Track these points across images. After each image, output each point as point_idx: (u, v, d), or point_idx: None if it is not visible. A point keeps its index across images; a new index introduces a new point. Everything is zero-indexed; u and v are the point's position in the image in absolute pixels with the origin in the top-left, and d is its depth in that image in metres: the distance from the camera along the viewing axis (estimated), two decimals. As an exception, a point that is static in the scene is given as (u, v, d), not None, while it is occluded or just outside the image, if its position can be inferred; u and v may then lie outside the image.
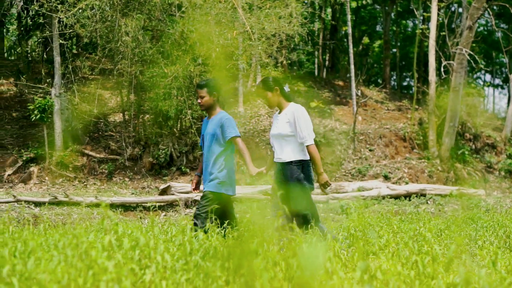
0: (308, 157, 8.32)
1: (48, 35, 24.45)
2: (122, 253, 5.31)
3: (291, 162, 8.26)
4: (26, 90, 28.38)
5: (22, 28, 30.99)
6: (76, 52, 30.66)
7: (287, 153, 8.28)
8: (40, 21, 26.77)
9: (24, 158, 22.84)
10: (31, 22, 29.14)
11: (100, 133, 26.24)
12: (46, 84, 24.79)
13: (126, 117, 25.52)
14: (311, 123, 8.39)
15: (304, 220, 8.09)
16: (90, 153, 24.14)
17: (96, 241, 5.42)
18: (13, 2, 26.89)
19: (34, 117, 22.29)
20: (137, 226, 7.57)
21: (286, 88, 8.59)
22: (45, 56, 29.33)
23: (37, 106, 22.24)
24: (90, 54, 28.28)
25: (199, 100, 9.02)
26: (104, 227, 6.05)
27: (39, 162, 22.92)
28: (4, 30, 33.69)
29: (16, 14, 34.14)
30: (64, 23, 22.42)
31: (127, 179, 22.86)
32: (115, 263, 4.83)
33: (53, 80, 24.10)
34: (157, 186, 21.76)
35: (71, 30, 23.03)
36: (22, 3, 27.60)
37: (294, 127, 8.24)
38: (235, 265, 5.42)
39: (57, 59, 23.69)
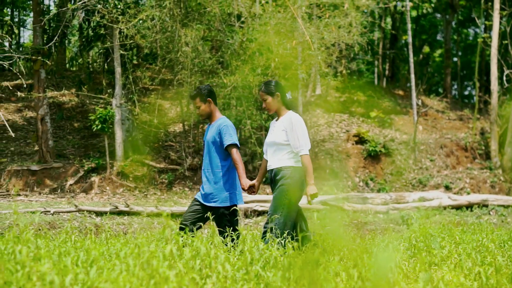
0: (298, 165, 8.06)
1: (109, 46, 24.71)
2: (183, 262, 5.30)
3: (281, 167, 8.04)
4: (88, 101, 28.73)
5: (83, 39, 31.38)
6: (136, 62, 30.93)
7: (278, 160, 8.03)
8: (101, 32, 27.05)
9: (85, 168, 23.09)
10: (92, 33, 29.48)
11: (160, 143, 26.40)
12: (107, 95, 25.05)
13: (186, 127, 25.65)
14: (307, 133, 8.13)
15: (278, 225, 7.87)
16: (151, 163, 24.29)
17: (157, 250, 5.43)
18: (74, 13, 27.23)
19: (96, 127, 22.53)
20: (197, 235, 7.57)
21: (288, 96, 8.31)
22: (106, 66, 29.63)
23: (98, 116, 22.47)
24: (150, 65, 28.53)
25: (197, 111, 8.82)
26: (165, 237, 6.06)
27: (100, 172, 23.15)
28: (66, 41, 34.19)
29: (77, 25, 34.61)
30: (125, 34, 22.65)
31: (187, 189, 22.94)
32: (176, 272, 4.83)
33: (114, 91, 24.34)
34: (217, 195, 21.77)
35: (131, 41, 23.27)
36: (83, 15, 27.94)
37: (289, 136, 8.00)
38: (296, 275, 5.38)
39: (118, 69, 23.92)
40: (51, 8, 40.01)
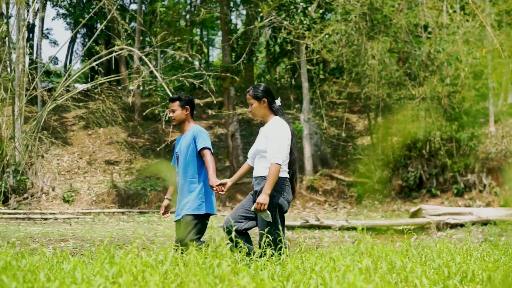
0: (285, 175, 7.48)
1: (296, 61, 24.99)
2: (379, 276, 5.24)
3: (264, 176, 7.49)
4: (276, 117, 29.17)
5: (270, 56, 31.93)
6: (323, 77, 31.14)
7: (262, 168, 7.47)
8: (287, 48, 27.43)
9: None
10: (279, 50, 29.94)
11: (349, 156, 26.41)
12: (295, 110, 25.33)
13: (374, 140, 25.52)
14: (287, 143, 7.50)
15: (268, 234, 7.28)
16: (339, 176, 24.33)
17: (352, 264, 5.38)
18: (261, 31, 27.74)
19: (286, 143, 22.81)
20: (392, 249, 7.49)
21: (278, 102, 7.72)
22: (293, 82, 29.99)
23: (287, 131, 22.75)
24: (337, 79, 28.65)
25: (170, 114, 8.40)
26: (360, 250, 6.01)
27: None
28: (254, 59, 34.92)
29: (264, 42, 35.27)
30: (311, 49, 22.84)
31: (376, 202, 22.78)
32: (373, 286, 4.77)
33: (301, 106, 24.58)
34: (407, 208, 21.52)
35: (318, 56, 23.42)
36: (270, 32, 28.42)
37: (268, 142, 7.45)
38: (495, 289, 5.19)
39: (305, 84, 24.14)
40: (238, 26, 41.01)
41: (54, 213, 20.66)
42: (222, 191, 7.63)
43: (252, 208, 7.22)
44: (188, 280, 4.90)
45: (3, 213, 19.68)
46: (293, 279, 5.24)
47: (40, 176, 22.31)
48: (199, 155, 8.11)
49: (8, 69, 23.14)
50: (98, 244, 10.38)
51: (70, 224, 18.72)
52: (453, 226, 18.44)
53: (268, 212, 7.21)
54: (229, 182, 7.71)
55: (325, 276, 5.00)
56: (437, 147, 22.99)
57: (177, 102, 8.29)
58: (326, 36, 23.07)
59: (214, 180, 7.70)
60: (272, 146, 7.21)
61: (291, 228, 17.75)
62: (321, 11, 24.83)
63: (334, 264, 5.51)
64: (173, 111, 8.35)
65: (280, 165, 7.15)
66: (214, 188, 7.57)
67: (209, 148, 8.04)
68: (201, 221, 8.03)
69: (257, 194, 7.37)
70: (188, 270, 5.12)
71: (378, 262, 5.76)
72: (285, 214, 7.73)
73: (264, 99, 7.48)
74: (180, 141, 8.47)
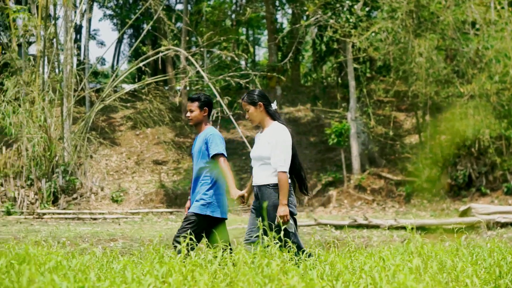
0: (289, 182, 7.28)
1: (342, 60, 24.91)
2: (429, 275, 5.19)
3: (268, 185, 7.25)
4: (323, 115, 29.07)
5: (317, 55, 31.86)
6: (370, 75, 31.01)
7: (265, 176, 7.19)
8: (334, 46, 27.34)
9: (323, 182, 23.35)
10: (325, 48, 29.86)
11: (396, 155, 26.24)
12: (341, 109, 25.24)
13: (422, 138, 25.33)
14: (291, 149, 7.37)
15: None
16: (387, 175, 24.19)
17: (402, 264, 5.34)
18: (307, 29, 27.71)
19: (332, 141, 22.75)
20: (441, 248, 7.38)
21: (274, 106, 7.53)
22: (339, 81, 29.87)
23: (334, 130, 22.69)
24: (384, 77, 28.48)
25: (188, 114, 8.27)
26: (409, 250, 5.96)
27: (338, 186, 23.32)
28: (300, 57, 34.88)
29: (310, 41, 35.20)
30: (358, 47, 22.77)
31: (425, 201, 22.61)
32: (424, 286, 4.72)
33: (348, 104, 24.51)
34: (457, 207, 21.30)
35: (364, 54, 23.34)
36: (316, 30, 28.36)
37: (272, 149, 7.22)
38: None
39: (352, 83, 24.06)
40: (284, 25, 41.00)
41: (103, 213, 20.85)
42: (244, 202, 7.65)
43: (276, 222, 7.09)
44: (237, 279, 4.90)
45: (53, 213, 19.92)
46: (343, 279, 5.22)
47: (89, 176, 22.54)
48: (210, 157, 8.02)
49: (56, 70, 23.44)
50: (147, 244, 10.44)
51: (119, 224, 18.87)
52: (504, 225, 18.21)
53: (292, 222, 7.15)
54: (246, 194, 7.71)
55: (374, 275, 4.98)
56: (486, 145, 22.74)
57: (196, 103, 8.19)
58: (373, 34, 23.01)
59: (234, 192, 7.66)
60: (277, 155, 7.17)
61: (340, 227, 17.68)
62: (367, 9, 24.77)
63: (384, 263, 5.48)
64: (191, 111, 8.26)
65: (287, 172, 7.10)
66: (236, 202, 7.59)
67: (222, 154, 7.96)
68: (202, 223, 7.94)
69: (264, 205, 7.19)
70: (237, 270, 5.12)
71: (428, 262, 5.72)
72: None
73: (260, 103, 7.36)
74: (195, 142, 8.43)
